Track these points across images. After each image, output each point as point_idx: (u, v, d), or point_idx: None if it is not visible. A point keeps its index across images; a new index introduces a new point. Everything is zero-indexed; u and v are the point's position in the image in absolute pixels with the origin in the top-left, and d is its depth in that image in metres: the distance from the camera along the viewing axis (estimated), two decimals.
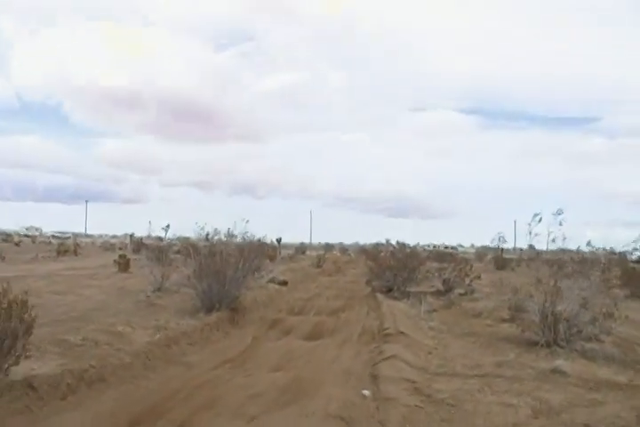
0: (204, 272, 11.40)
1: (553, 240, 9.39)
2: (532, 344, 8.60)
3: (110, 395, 6.01)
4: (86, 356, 6.86)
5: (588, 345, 8.36)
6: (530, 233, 9.58)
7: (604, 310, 8.88)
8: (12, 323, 5.34)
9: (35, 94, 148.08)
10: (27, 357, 5.65)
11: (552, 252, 10.52)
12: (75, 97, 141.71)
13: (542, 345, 8.43)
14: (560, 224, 9.33)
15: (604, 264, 19.09)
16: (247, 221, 13.11)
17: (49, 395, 5.50)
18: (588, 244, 13.16)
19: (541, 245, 10.08)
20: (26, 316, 5.56)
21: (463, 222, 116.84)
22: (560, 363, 7.28)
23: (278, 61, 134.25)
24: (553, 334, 8.48)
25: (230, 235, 12.82)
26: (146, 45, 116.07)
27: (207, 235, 12.84)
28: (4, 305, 5.40)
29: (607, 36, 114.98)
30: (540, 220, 9.39)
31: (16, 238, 52.79)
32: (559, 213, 9.31)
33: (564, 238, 9.49)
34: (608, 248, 21.13)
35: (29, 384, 5.40)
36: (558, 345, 8.35)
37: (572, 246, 10.61)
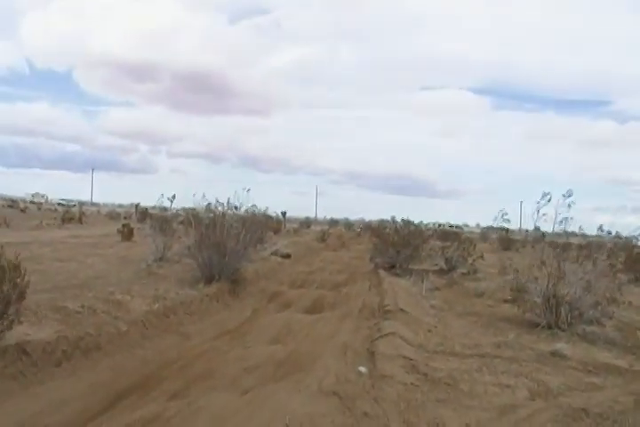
0: (204, 243, 11.34)
1: (561, 222, 9.21)
2: (532, 326, 8.53)
3: (106, 363, 5.99)
4: (84, 323, 6.82)
5: (590, 329, 8.28)
6: (537, 212, 9.39)
7: (607, 294, 8.79)
8: (5, 287, 5.27)
9: (46, 61, 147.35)
10: (20, 322, 5.59)
11: (558, 234, 10.34)
12: (86, 65, 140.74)
13: (543, 327, 8.36)
14: (569, 206, 9.14)
15: (610, 249, 18.98)
16: (248, 190, 12.89)
17: (43, 361, 5.47)
18: (600, 228, 12.99)
19: (548, 227, 9.89)
20: (19, 280, 5.47)
21: (469, 202, 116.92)
22: (560, 346, 7.21)
23: (291, 35, 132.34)
24: (554, 317, 8.40)
25: (233, 206, 12.67)
26: (160, 17, 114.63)
27: (208, 205, 12.68)
28: None
29: (621, 20, 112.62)
30: (550, 199, 9.19)
31: (22, 205, 52.84)
32: (569, 194, 9.11)
33: (571, 219, 9.32)
34: (614, 233, 20.98)
35: (23, 350, 5.37)
36: (559, 328, 8.28)
37: (579, 230, 10.43)
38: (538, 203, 9.41)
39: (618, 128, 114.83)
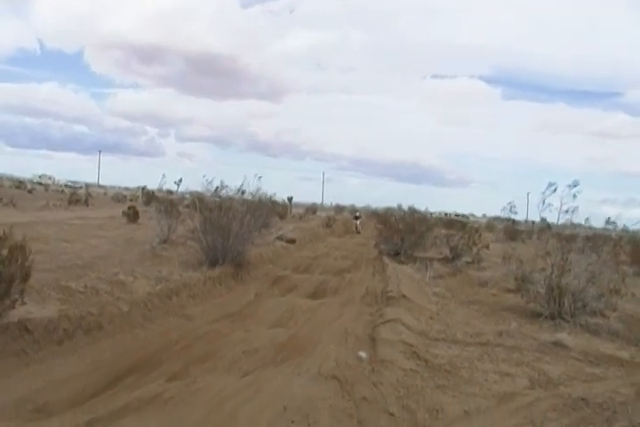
0: (209, 226, 11.33)
1: (566, 211, 9.14)
2: (535, 316, 8.52)
3: (107, 343, 6.02)
4: (86, 303, 6.86)
5: (593, 320, 8.26)
6: (543, 202, 9.32)
7: (611, 285, 8.74)
8: (9, 267, 5.27)
9: (56, 42, 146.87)
10: (23, 302, 5.60)
11: (564, 226, 10.28)
12: (96, 46, 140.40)
13: (546, 317, 8.34)
14: (574, 196, 9.05)
15: (616, 241, 18.90)
16: (260, 178, 12.87)
17: (45, 339, 5.50)
18: (607, 221, 12.93)
19: (553, 218, 9.82)
20: (24, 261, 5.48)
21: (476, 192, 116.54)
22: (562, 336, 7.20)
23: (303, 21, 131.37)
24: (557, 307, 8.37)
25: (240, 190, 12.63)
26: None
27: (216, 189, 12.63)
28: (4, 251, 5.33)
29: (635, 10, 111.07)
30: (555, 190, 9.10)
31: (29, 186, 52.95)
32: (574, 184, 9.02)
33: (576, 210, 9.24)
34: (622, 226, 20.90)
35: (25, 327, 5.39)
36: (562, 318, 8.25)
37: (585, 222, 10.38)
38: (543, 193, 9.32)
39: (629, 120, 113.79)
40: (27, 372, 4.92)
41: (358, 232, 31.22)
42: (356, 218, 33.68)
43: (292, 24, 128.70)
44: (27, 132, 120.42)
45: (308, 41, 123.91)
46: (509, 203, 15.81)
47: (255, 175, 12.95)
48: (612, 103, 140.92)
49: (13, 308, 5.43)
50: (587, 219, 10.70)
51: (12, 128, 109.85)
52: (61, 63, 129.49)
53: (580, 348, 6.79)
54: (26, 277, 5.60)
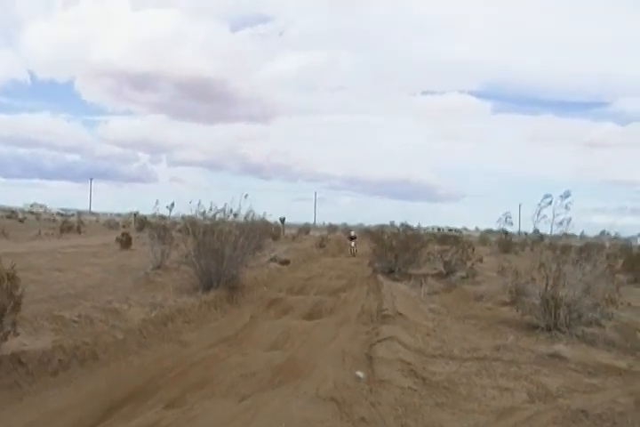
0: (202, 250, 11.32)
1: (560, 223, 9.17)
2: (531, 328, 8.51)
3: (102, 372, 5.96)
4: (80, 332, 6.80)
5: (589, 330, 8.26)
6: (538, 214, 9.35)
7: (606, 295, 8.76)
8: (0, 299, 5.24)
9: (47, 72, 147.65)
10: (16, 333, 5.54)
11: (557, 236, 10.30)
12: (86, 75, 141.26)
13: (542, 329, 8.34)
14: (566, 207, 9.10)
15: (609, 250, 18.97)
16: (246, 196, 12.83)
17: (39, 371, 5.45)
18: (602, 233, 12.94)
19: (546, 229, 9.84)
20: (14, 291, 5.44)
21: (469, 206, 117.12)
22: (559, 347, 7.19)
23: (292, 43, 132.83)
24: (553, 319, 8.37)
25: (231, 213, 12.63)
26: (161, 26, 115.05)
27: (205, 213, 12.60)
28: None
29: (620, 21, 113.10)
30: (551, 202, 9.15)
31: (20, 215, 52.75)
32: (566, 195, 9.07)
33: (570, 222, 9.27)
34: (614, 234, 20.97)
35: (18, 360, 5.34)
36: (559, 330, 8.25)
37: (578, 231, 10.40)
38: (539, 205, 9.37)
39: (618, 129, 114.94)
40: (20, 405, 4.86)
41: (354, 255, 27.47)
42: (352, 239, 30.13)
43: (282, 46, 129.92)
44: (18, 162, 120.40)
45: (297, 63, 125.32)
46: (505, 213, 15.91)
47: (244, 195, 12.87)
48: (601, 113, 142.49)
49: (6, 340, 5.38)
50: (582, 231, 10.75)
51: (3, 158, 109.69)
52: (53, 93, 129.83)
53: (577, 359, 6.78)
54: (17, 308, 5.54)
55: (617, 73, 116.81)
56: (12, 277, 5.45)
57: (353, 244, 29.24)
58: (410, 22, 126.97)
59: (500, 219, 15.79)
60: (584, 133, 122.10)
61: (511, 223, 16.04)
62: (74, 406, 4.95)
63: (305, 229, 55.10)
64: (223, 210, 12.51)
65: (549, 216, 9.29)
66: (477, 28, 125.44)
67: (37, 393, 5.15)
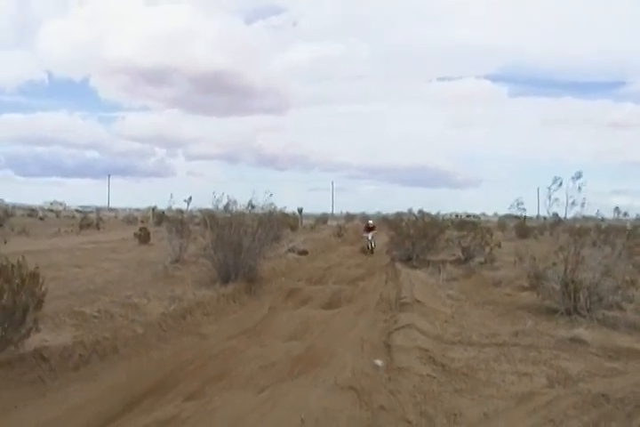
0: (220, 243, 11.37)
1: (572, 204, 9.04)
2: (551, 313, 8.43)
3: (122, 366, 6.03)
4: (100, 327, 6.89)
5: (610, 313, 8.16)
6: (549, 197, 9.23)
7: (626, 277, 8.65)
8: (23, 296, 5.32)
9: (63, 70, 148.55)
10: (38, 329, 5.63)
11: (575, 219, 10.17)
12: (102, 72, 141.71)
13: (562, 313, 8.25)
14: (579, 189, 8.96)
15: (629, 231, 18.72)
16: (271, 195, 12.97)
17: (61, 366, 5.52)
18: (616, 210, 12.76)
19: (562, 212, 9.70)
20: (36, 289, 5.53)
21: (487, 192, 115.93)
22: (580, 331, 7.11)
23: (306, 33, 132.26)
24: (573, 302, 8.28)
25: (250, 205, 12.70)
26: (175, 21, 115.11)
27: (226, 206, 12.66)
28: (17, 280, 5.38)
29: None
30: (561, 184, 9.01)
31: (40, 213, 53.43)
32: (577, 176, 8.93)
33: (584, 204, 9.14)
34: (635, 215, 20.69)
35: (41, 355, 5.42)
36: (579, 313, 8.16)
37: (597, 213, 10.27)
38: (549, 188, 9.25)
39: (638, 110, 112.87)
40: (43, 401, 4.92)
41: (372, 252, 21.49)
42: (369, 229, 22.57)
43: (296, 37, 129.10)
44: (37, 161, 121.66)
45: (311, 53, 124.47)
46: (516, 200, 15.65)
47: (266, 192, 12.99)
48: (621, 93, 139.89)
49: (28, 337, 5.47)
50: (597, 211, 10.57)
51: (22, 158, 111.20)
52: (69, 91, 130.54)
53: (598, 343, 6.70)
54: (39, 305, 5.64)
55: (633, 51, 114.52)
56: (34, 277, 5.53)
57: (370, 236, 22.18)
58: (423, 9, 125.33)
59: (512, 205, 15.59)
60: (603, 114, 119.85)
61: (524, 209, 15.80)
62: (95, 401, 5.02)
63: (323, 219, 55.13)
64: (241, 202, 12.61)
65: (562, 199, 9.17)
66: (489, 11, 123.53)
67: (60, 388, 5.23)
